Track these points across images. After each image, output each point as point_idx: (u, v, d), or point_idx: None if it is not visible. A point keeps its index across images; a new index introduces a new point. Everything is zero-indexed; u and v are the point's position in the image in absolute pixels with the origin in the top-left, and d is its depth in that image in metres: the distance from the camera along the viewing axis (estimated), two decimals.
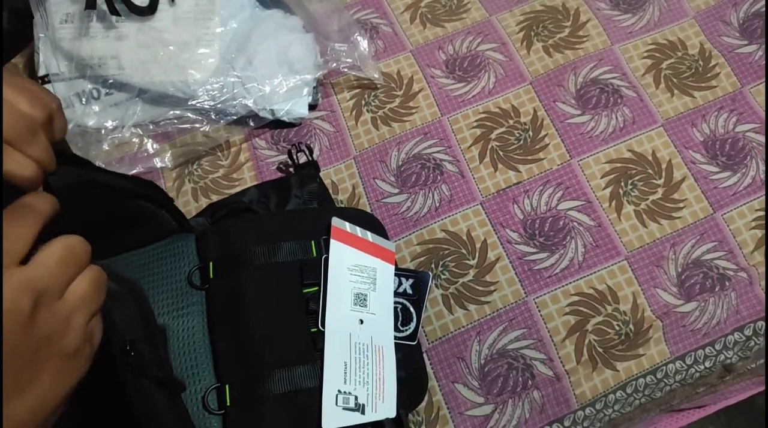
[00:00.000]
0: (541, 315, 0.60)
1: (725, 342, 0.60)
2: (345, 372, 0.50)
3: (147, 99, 0.65)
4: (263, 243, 0.54)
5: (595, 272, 0.61)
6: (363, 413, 0.49)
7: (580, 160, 0.66)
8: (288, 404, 0.49)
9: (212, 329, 0.52)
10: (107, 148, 0.61)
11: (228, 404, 0.49)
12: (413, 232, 0.64)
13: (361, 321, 0.53)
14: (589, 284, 0.61)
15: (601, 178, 0.65)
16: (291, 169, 0.67)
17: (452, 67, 0.73)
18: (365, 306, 0.54)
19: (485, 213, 0.65)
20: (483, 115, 0.70)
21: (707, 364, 0.60)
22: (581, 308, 0.60)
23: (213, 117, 0.64)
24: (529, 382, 0.57)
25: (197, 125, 0.64)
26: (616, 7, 0.75)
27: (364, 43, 0.69)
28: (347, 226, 0.57)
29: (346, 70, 0.69)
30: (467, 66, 0.73)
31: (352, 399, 0.50)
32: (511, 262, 0.62)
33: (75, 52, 0.66)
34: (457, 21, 0.76)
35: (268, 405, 0.48)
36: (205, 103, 0.63)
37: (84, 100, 0.66)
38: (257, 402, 0.49)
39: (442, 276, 0.62)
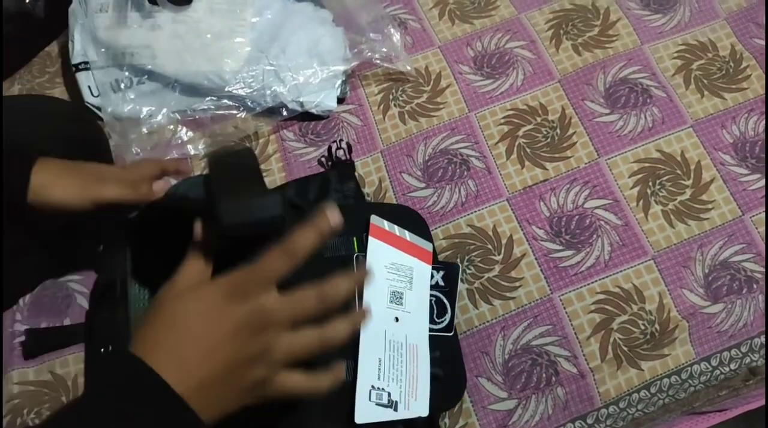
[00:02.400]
0: (566, 313, 0.60)
1: (751, 344, 0.60)
2: (379, 369, 0.51)
3: (183, 87, 0.65)
4: None
5: (621, 271, 0.61)
6: (396, 410, 0.50)
7: (608, 158, 0.66)
8: (329, 398, 0.49)
9: None
10: (146, 133, 0.63)
11: None
12: (439, 227, 0.64)
13: (397, 319, 0.54)
14: (615, 283, 0.61)
15: (629, 177, 0.65)
16: (329, 164, 0.68)
17: (480, 64, 0.73)
18: (401, 304, 0.55)
19: (511, 209, 0.65)
20: (510, 112, 0.70)
21: (732, 366, 0.59)
22: (607, 306, 0.60)
23: (249, 104, 0.65)
24: (553, 379, 0.57)
25: (234, 112, 0.65)
26: (646, 7, 0.75)
27: (397, 35, 0.70)
28: (386, 224, 0.58)
29: (378, 61, 0.70)
30: (495, 63, 0.73)
31: (385, 395, 0.50)
32: (536, 259, 0.62)
33: (109, 41, 0.67)
34: (486, 18, 0.77)
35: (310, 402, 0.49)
36: (241, 90, 0.64)
37: (117, 88, 0.67)
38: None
39: (468, 271, 0.62)
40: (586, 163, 0.66)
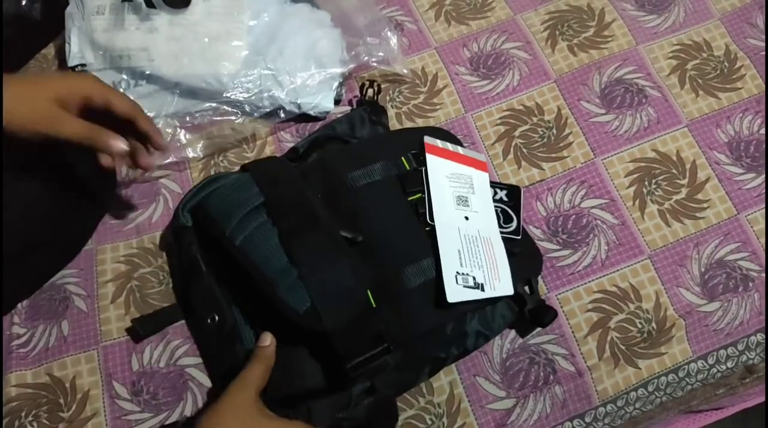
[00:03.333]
0: (563, 312, 0.60)
1: (748, 342, 0.60)
2: (460, 258, 0.54)
3: (182, 91, 0.65)
4: (359, 167, 0.58)
5: (618, 270, 0.61)
6: (483, 290, 0.53)
7: (604, 158, 0.67)
8: (426, 293, 0.53)
9: None
10: None
11: (374, 305, 0.51)
12: None
13: (467, 218, 0.57)
14: (612, 282, 0.61)
15: (625, 176, 0.66)
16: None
17: (477, 65, 0.74)
18: (467, 206, 0.58)
19: None
20: (507, 113, 0.70)
21: (729, 364, 0.60)
22: (604, 305, 0.60)
23: (247, 109, 0.65)
24: (551, 377, 0.58)
25: (232, 118, 0.65)
26: (641, 7, 0.76)
27: (394, 38, 0.70)
28: (438, 142, 0.61)
29: (375, 64, 0.70)
30: (492, 64, 0.73)
31: (470, 278, 0.53)
32: None
33: (106, 44, 0.67)
34: (482, 19, 0.77)
35: (413, 298, 0.53)
36: (239, 95, 0.64)
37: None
38: (401, 297, 0.53)
39: None
40: (582, 163, 0.67)
